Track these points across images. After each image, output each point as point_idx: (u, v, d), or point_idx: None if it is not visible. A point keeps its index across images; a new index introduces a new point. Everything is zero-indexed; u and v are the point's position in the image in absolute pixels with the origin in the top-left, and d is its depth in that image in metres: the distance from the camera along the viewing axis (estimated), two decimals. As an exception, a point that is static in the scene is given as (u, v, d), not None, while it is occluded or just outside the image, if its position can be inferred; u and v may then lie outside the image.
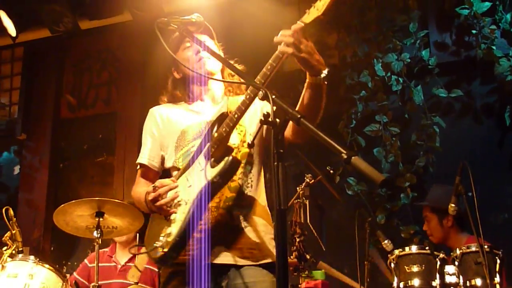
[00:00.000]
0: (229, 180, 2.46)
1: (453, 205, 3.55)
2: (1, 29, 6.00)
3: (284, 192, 1.75)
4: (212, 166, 2.41)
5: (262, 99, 1.97)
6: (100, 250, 4.12)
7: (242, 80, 2.49)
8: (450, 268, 3.46)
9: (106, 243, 4.06)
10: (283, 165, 1.79)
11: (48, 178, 6.32)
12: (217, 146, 2.43)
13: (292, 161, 5.07)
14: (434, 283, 3.42)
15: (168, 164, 2.70)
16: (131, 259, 4.61)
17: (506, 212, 4.85)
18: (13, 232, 3.98)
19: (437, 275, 3.43)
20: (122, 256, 4.70)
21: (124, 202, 4.16)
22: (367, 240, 4.12)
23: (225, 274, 2.46)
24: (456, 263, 3.46)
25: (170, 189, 2.46)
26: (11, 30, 5.94)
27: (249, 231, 2.51)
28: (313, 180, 4.11)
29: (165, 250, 2.41)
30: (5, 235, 3.98)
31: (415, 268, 3.51)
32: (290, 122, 1.99)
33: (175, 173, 2.63)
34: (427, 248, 3.59)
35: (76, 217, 4.07)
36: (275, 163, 1.79)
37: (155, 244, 2.45)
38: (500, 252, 3.45)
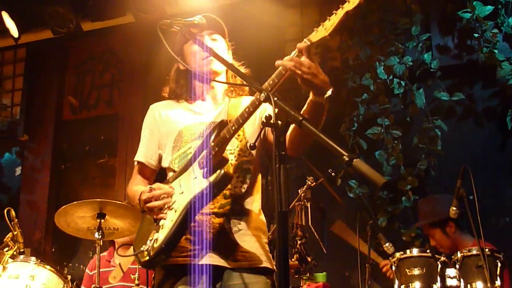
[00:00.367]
0: (220, 192, 2.44)
1: (454, 208, 3.56)
2: (4, 30, 6.01)
3: (285, 194, 1.75)
4: (205, 177, 2.40)
5: (264, 101, 1.97)
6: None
7: (244, 82, 2.48)
8: (451, 271, 3.46)
9: (103, 246, 4.05)
10: (285, 167, 1.79)
11: (49, 179, 6.33)
12: (212, 156, 2.41)
13: (294, 164, 5.08)
14: (435, 286, 3.43)
15: (164, 163, 2.69)
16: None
17: (507, 215, 4.84)
18: (15, 233, 3.99)
19: (438, 278, 3.43)
20: (142, 267, 4.66)
21: (125, 204, 4.16)
22: (368, 243, 4.12)
23: (219, 276, 2.46)
24: (457, 266, 3.46)
25: (165, 194, 2.46)
26: (14, 31, 5.95)
27: (243, 235, 2.50)
28: (314, 183, 4.11)
29: (151, 255, 2.40)
30: (7, 236, 3.99)
31: (416, 271, 3.51)
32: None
33: (170, 174, 2.62)
34: (428, 251, 3.59)
35: (77, 218, 4.07)
36: (277, 165, 1.79)
37: (141, 248, 2.45)
38: (501, 256, 3.45)
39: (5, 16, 5.87)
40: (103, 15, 5.95)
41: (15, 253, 3.92)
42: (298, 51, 2.23)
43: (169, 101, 2.82)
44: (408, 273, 3.53)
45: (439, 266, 3.47)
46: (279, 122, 1.86)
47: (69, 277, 3.99)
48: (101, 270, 4.04)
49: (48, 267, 3.87)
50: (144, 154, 2.75)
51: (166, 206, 2.44)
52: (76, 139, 6.54)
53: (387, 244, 4.05)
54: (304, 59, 2.22)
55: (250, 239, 2.51)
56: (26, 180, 6.49)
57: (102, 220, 4.00)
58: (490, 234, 3.60)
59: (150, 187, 2.49)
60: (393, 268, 3.62)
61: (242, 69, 2.69)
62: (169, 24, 2.39)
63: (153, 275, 2.93)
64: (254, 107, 2.30)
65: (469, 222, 3.47)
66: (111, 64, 6.53)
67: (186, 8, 5.57)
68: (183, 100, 2.77)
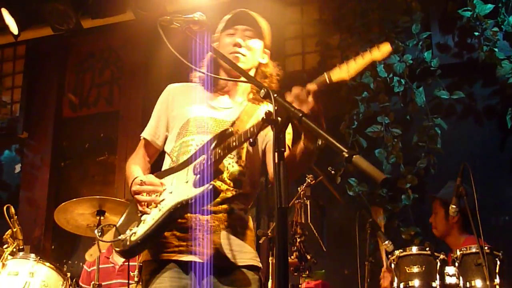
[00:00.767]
0: (206, 205, 2.39)
1: (453, 206, 3.56)
2: (4, 27, 6.01)
3: (285, 190, 1.75)
4: (194, 185, 2.38)
5: (264, 97, 1.96)
6: (96, 252, 4.13)
7: (244, 79, 2.47)
8: (450, 269, 3.47)
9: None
10: (284, 164, 1.79)
11: (49, 176, 6.33)
12: (208, 165, 2.38)
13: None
14: (434, 284, 3.43)
15: (167, 148, 2.67)
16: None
17: (506, 214, 4.85)
18: (14, 230, 3.99)
19: (437, 276, 3.43)
20: (119, 257, 4.69)
21: (125, 201, 4.16)
22: (367, 241, 4.12)
23: (206, 273, 2.45)
24: (456, 264, 3.46)
25: (155, 191, 2.46)
26: (13, 28, 5.95)
27: (229, 233, 2.49)
28: (314, 181, 4.10)
29: (126, 246, 2.39)
30: (6, 233, 3.99)
31: (415, 269, 3.51)
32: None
33: (167, 160, 2.61)
34: (427, 249, 3.59)
35: (77, 215, 4.08)
36: (276, 162, 1.79)
37: (119, 237, 2.45)
38: (500, 254, 3.45)
39: (5, 13, 5.87)
40: (103, 13, 5.95)
41: (14, 250, 3.92)
42: (306, 92, 2.06)
43: (188, 84, 2.77)
44: (408, 271, 3.53)
45: (438, 264, 3.46)
46: (279, 118, 1.86)
47: (68, 274, 3.99)
48: (100, 266, 4.05)
49: (48, 264, 3.87)
50: (151, 132, 2.73)
51: (153, 203, 2.44)
52: (76, 137, 6.55)
53: (386, 242, 4.05)
54: (310, 99, 2.07)
55: (237, 237, 2.51)
56: (25, 177, 6.50)
57: (102, 217, 4.01)
58: (490, 233, 3.60)
59: (141, 180, 2.48)
60: (393, 266, 3.62)
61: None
62: (169, 21, 2.38)
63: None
64: (258, 128, 2.18)
65: (468, 220, 3.47)
66: (111, 61, 6.54)
67: (187, 6, 5.56)
68: (203, 87, 2.72)
